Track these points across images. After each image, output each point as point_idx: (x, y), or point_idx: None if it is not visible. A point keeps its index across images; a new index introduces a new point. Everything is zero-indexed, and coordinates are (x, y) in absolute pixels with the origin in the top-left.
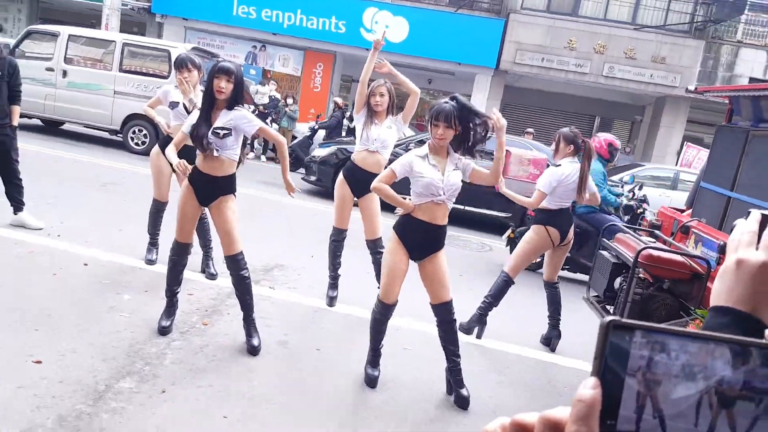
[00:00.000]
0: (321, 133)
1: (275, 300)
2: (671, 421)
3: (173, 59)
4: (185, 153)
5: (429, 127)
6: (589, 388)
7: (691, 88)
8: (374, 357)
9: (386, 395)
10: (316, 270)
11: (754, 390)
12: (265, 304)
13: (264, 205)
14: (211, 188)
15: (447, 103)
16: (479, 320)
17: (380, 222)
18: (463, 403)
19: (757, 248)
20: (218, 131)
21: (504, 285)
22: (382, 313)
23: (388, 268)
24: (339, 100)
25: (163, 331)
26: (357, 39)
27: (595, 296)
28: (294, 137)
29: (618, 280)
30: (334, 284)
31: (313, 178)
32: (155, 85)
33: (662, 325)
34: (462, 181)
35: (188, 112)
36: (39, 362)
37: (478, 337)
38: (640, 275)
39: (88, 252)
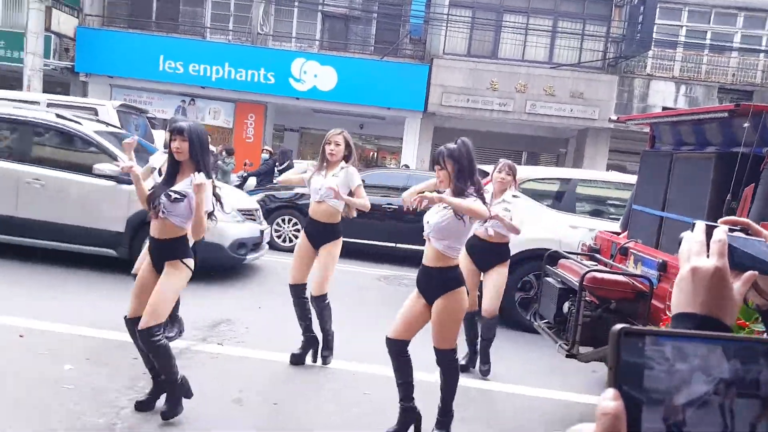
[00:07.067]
0: (252, 181)
1: (225, 356)
2: (694, 427)
3: (100, 116)
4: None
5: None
6: (610, 400)
7: (613, 118)
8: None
9: None
10: (265, 321)
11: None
12: (215, 361)
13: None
14: (157, 252)
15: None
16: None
17: (328, 278)
18: None
19: (708, 256)
20: (171, 194)
21: None
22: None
23: None
24: (269, 148)
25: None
26: (287, 89)
27: (545, 323)
28: None
29: (566, 305)
30: (306, 345)
31: None
32: None
33: (673, 330)
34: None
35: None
36: None
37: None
38: (587, 298)
39: (25, 323)
